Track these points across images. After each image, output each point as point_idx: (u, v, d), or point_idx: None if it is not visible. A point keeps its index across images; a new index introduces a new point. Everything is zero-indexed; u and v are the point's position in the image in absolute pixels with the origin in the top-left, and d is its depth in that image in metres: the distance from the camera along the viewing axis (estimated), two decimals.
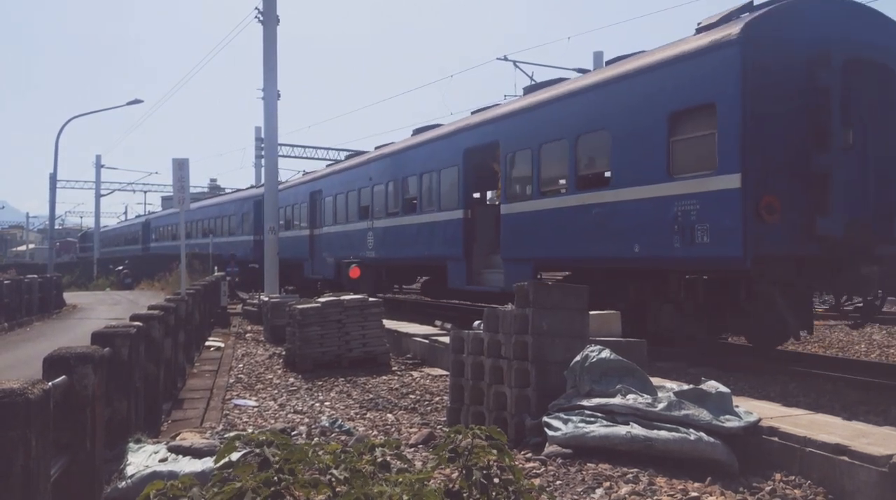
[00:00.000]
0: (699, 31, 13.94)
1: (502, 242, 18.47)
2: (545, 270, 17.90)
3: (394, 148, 25.78)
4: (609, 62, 16.91)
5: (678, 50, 13.81)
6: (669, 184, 13.35)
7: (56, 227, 74.18)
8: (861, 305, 13.77)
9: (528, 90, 19.52)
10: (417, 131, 24.98)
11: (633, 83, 14.51)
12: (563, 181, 16.70)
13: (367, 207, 26.36)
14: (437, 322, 18.94)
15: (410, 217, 23.23)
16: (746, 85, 12.02)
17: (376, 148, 27.64)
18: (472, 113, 21.69)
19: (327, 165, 35.55)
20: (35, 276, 30.10)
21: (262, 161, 36.60)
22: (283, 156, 52.30)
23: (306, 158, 59.38)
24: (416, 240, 22.63)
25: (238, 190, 52.37)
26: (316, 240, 31.61)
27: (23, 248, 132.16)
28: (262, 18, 28.30)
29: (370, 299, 15.36)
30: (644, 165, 13.97)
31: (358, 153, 30.50)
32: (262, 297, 24.84)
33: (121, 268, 54.44)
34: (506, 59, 39.86)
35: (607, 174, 15.37)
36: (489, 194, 24.38)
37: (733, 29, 12.46)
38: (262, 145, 35.30)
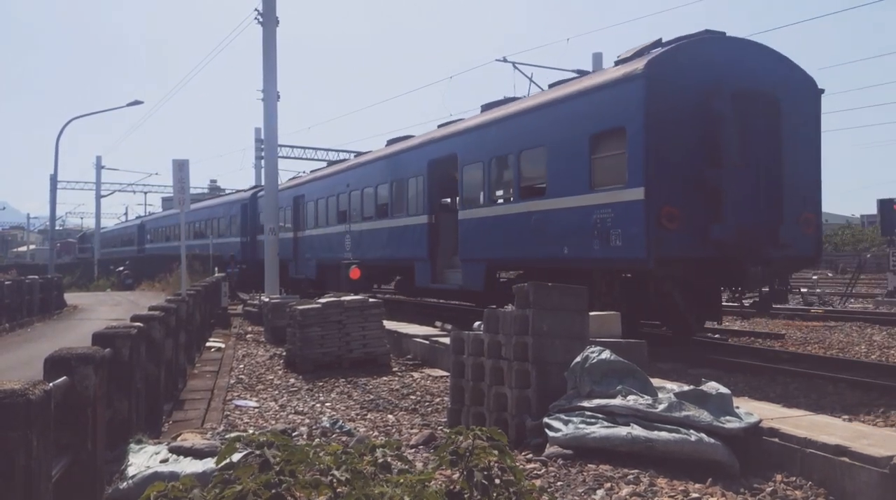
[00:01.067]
0: (617, 63, 16.09)
1: (460, 245, 20.52)
2: (496, 270, 19.96)
3: (368, 157, 28.22)
4: (551, 85, 18.95)
5: (598, 80, 16.17)
6: (590, 195, 15.55)
7: (56, 228, 74.17)
8: (758, 298, 15.84)
9: (485, 108, 21.20)
10: (391, 142, 26.90)
11: (564, 107, 16.69)
12: (509, 191, 19.05)
13: (345, 212, 28.65)
14: (438, 323, 18.96)
15: (383, 221, 25.34)
16: (649, 112, 14.17)
17: (355, 156, 29.90)
18: (438, 126, 23.76)
19: (311, 171, 37.52)
20: (36, 276, 30.08)
21: (262, 162, 36.60)
22: (283, 157, 52.35)
23: (306, 158, 59.39)
24: (388, 242, 24.73)
25: (235, 191, 52.99)
26: (299, 242, 33.48)
27: (23, 249, 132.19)
28: (261, 20, 28.32)
29: (370, 299, 15.37)
30: (571, 179, 16.13)
31: (358, 154, 31.74)
32: (262, 298, 24.86)
33: (121, 269, 54.44)
34: (505, 60, 39.90)
35: (544, 185, 17.34)
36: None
37: (639, 64, 14.64)
38: (262, 146, 35.32)
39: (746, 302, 16.25)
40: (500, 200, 19.39)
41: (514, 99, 20.63)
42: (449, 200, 24.31)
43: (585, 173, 15.68)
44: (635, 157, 14.35)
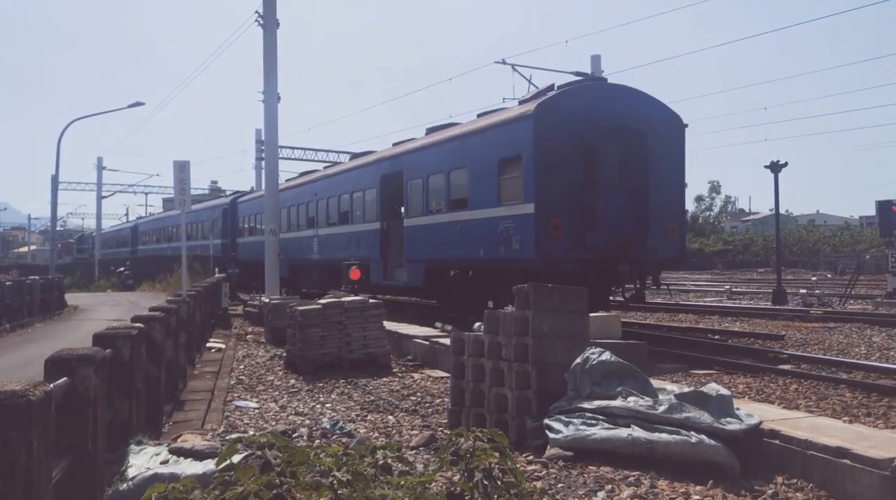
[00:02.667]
0: (521, 102, 20.28)
1: (405, 248, 23.85)
2: (433, 269, 22.78)
3: (333, 170, 32.15)
4: (479, 115, 22.25)
5: (505, 116, 19.65)
6: (498, 208, 18.99)
7: (58, 228, 74.16)
8: (633, 291, 19.58)
9: (429, 131, 24.81)
10: (353, 156, 31.06)
11: (481, 136, 20.27)
12: (442, 203, 22.06)
13: (314, 218, 32.25)
14: (438, 324, 19.00)
15: (344, 227, 28.87)
16: (538, 144, 17.69)
17: (324, 168, 33.99)
18: (394, 144, 27.29)
19: (286, 180, 39.45)
20: (37, 277, 30.09)
21: (263, 163, 36.63)
22: (284, 158, 52.32)
23: (306, 159, 59.35)
24: (348, 245, 28.08)
25: (230, 193, 53.25)
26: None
27: (24, 249, 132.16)
28: (262, 22, 28.33)
29: (370, 300, 15.37)
30: (485, 194, 19.63)
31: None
32: (262, 298, 24.87)
33: (122, 269, 54.44)
34: (504, 62, 39.88)
35: (466, 199, 20.64)
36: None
37: (531, 106, 18.29)
38: (263, 148, 35.37)
39: (625, 296, 19.97)
40: (435, 211, 22.44)
41: (455, 124, 23.63)
42: (396, 208, 26.63)
43: (495, 191, 19.23)
44: (528, 179, 17.85)
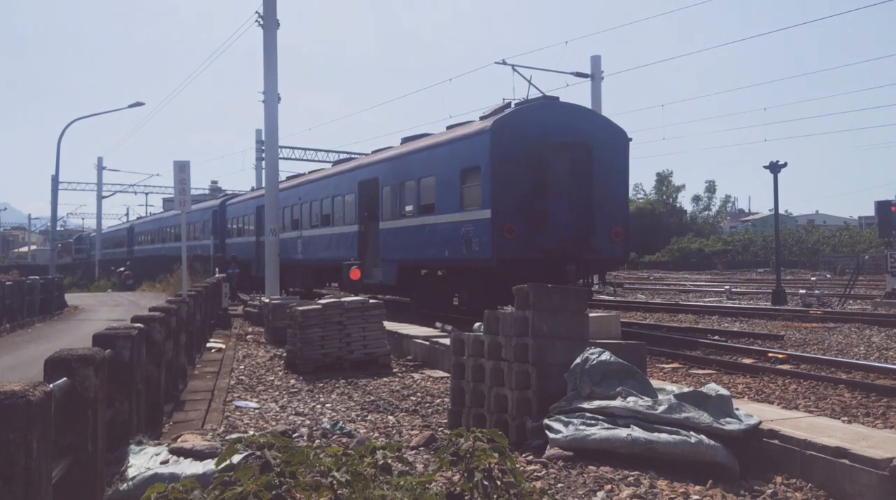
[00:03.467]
0: (481, 118, 21.90)
1: (380, 249, 25.65)
2: (405, 268, 24.49)
3: (315, 176, 33.91)
4: (449, 127, 24.19)
5: (467, 130, 21.60)
6: (461, 214, 20.96)
7: (58, 228, 74.14)
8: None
9: (404, 140, 26.68)
10: (335, 163, 33.06)
11: (446, 148, 22.17)
12: (413, 208, 23.76)
13: (298, 220, 34.07)
14: (438, 324, 19.01)
15: (326, 228, 30.64)
16: (494, 157, 19.72)
17: (309, 172, 35.95)
18: (372, 152, 29.81)
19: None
20: (37, 277, 30.08)
21: (263, 163, 36.71)
22: (284, 158, 52.29)
23: (307, 160, 59.30)
24: (329, 246, 29.98)
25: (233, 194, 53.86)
26: (260, 246, 36.64)
27: (25, 249, 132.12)
28: (262, 22, 28.34)
29: (371, 300, 15.38)
30: (450, 201, 21.56)
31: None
32: (262, 298, 24.89)
33: (122, 269, 54.44)
34: (504, 63, 39.88)
35: (433, 204, 22.49)
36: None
37: (489, 122, 20.37)
38: (263, 148, 35.45)
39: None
40: (407, 215, 24.22)
41: (427, 135, 25.66)
42: (372, 212, 28.10)
43: (458, 197, 21.21)
44: (486, 187, 19.92)
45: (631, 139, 22.23)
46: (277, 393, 12.30)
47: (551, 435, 7.49)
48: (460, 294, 22.62)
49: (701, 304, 30.12)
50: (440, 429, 9.33)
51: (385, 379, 13.45)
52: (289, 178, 39.42)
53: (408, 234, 23.95)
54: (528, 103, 21.79)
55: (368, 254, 27.11)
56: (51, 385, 3.79)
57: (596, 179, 20.65)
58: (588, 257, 20.46)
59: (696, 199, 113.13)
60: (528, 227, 19.65)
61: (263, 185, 32.10)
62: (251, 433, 7.92)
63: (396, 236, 24.70)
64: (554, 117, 20.92)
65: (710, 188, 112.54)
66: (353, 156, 33.85)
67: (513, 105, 21.89)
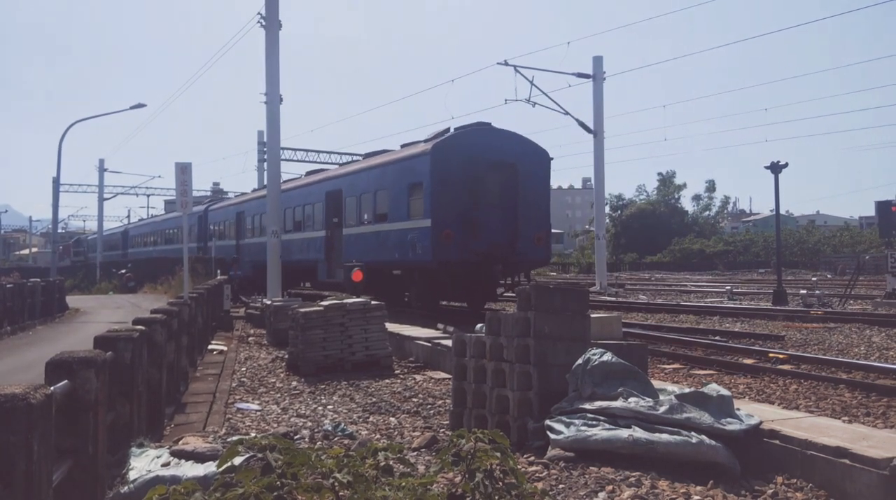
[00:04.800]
0: (426, 141, 24.85)
1: (343, 252, 28.46)
2: (365, 269, 26.59)
3: (289, 186, 36.53)
4: (403, 145, 27.12)
5: (413, 151, 24.81)
6: (408, 222, 24.12)
7: (59, 230, 74.15)
8: (511, 285, 24.81)
9: (366, 156, 31.21)
10: (308, 174, 36.82)
11: (397, 165, 25.59)
12: (370, 216, 27.10)
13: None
14: (440, 325, 19.02)
15: (298, 233, 33.74)
16: (434, 174, 22.95)
17: (284, 182, 37.86)
18: (340, 165, 34.31)
19: (252, 190, 46.22)
20: (38, 279, 30.10)
21: (265, 165, 36.80)
22: (286, 160, 52.29)
23: (309, 161, 59.27)
24: (301, 249, 32.80)
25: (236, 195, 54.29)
26: (241, 248, 41.06)
27: (26, 251, 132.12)
28: (264, 23, 28.34)
29: (372, 302, 15.38)
30: (399, 211, 24.83)
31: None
32: (264, 300, 24.91)
33: (123, 271, 54.47)
34: (506, 63, 40.00)
35: (386, 214, 25.79)
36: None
37: (429, 146, 23.68)
38: (265, 149, 35.56)
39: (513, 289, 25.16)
40: (366, 222, 27.48)
41: (386, 151, 29.18)
42: (337, 219, 30.93)
43: (406, 208, 24.45)
44: (427, 200, 23.16)
45: (552, 159, 25.97)
46: (279, 395, 12.31)
47: (553, 436, 7.49)
48: (410, 291, 25.59)
49: (702, 304, 30.13)
50: (442, 430, 9.34)
51: (387, 381, 13.46)
52: (263, 187, 41.62)
53: (366, 239, 27.34)
54: (464, 128, 25.16)
55: (333, 256, 30.00)
56: (51, 388, 3.80)
57: (521, 193, 24.12)
58: (513, 259, 23.76)
59: (697, 198, 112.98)
60: (463, 233, 22.84)
61: (265, 185, 32.53)
62: (253, 434, 7.93)
63: (357, 241, 27.99)
64: (486, 141, 24.40)
65: (710, 188, 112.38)
66: (323, 168, 38.13)
67: (452, 130, 25.44)
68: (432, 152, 23.42)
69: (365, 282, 25.52)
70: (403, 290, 25.66)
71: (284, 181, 37.88)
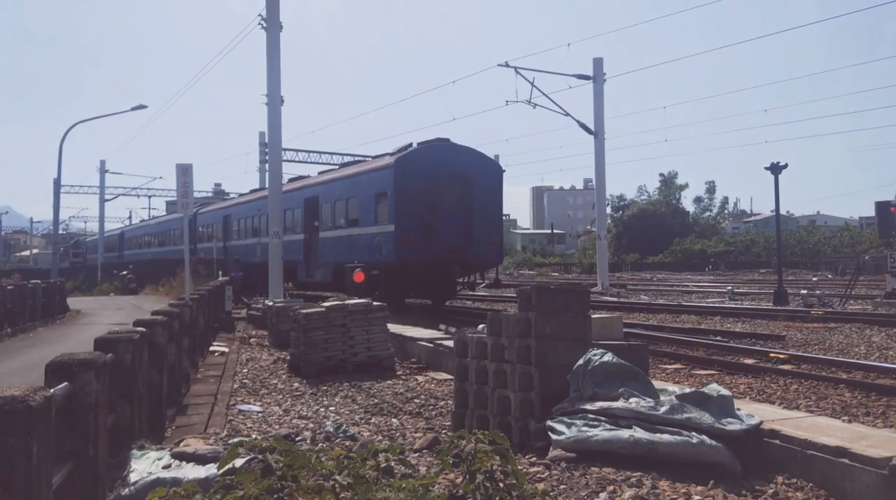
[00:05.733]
0: (391, 155, 28.08)
1: (320, 253, 31.32)
2: (338, 269, 29.47)
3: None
4: (374, 156, 30.66)
5: (376, 164, 28.65)
6: (375, 227, 27.33)
7: (60, 232, 74.15)
8: (471, 283, 28.88)
9: (341, 166, 35.34)
10: (290, 181, 38.43)
11: (366, 176, 28.82)
12: (343, 221, 30.00)
13: (258, 228, 39.54)
14: (442, 326, 19.03)
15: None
16: (397, 185, 26.14)
17: (263, 189, 41.41)
18: (319, 173, 37.64)
19: (239, 194, 50.56)
20: (39, 281, 30.11)
21: (267, 166, 36.90)
22: (287, 160, 52.34)
23: (310, 162, 59.42)
24: (283, 251, 32.88)
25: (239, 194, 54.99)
26: (228, 250, 43.94)
27: (26, 253, 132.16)
28: (265, 25, 28.36)
29: (374, 303, 15.39)
30: (368, 217, 28.07)
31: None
32: (266, 302, 24.91)
33: (125, 273, 54.49)
34: (507, 65, 40.05)
35: (358, 219, 28.89)
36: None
37: (393, 159, 26.93)
38: (267, 150, 35.73)
39: (472, 287, 30.02)
40: (340, 227, 30.33)
41: (360, 161, 34.43)
42: (315, 223, 33.60)
43: (373, 214, 27.64)
44: (391, 208, 26.34)
45: (504, 171, 30.12)
46: (281, 396, 12.31)
47: (554, 437, 7.49)
48: (378, 289, 27.13)
49: (703, 305, 30.12)
50: (444, 431, 9.34)
51: (389, 382, 13.46)
52: (252, 191, 46.75)
53: (340, 241, 30.14)
54: (425, 143, 28.50)
55: (311, 257, 32.83)
56: (51, 390, 3.80)
57: (475, 202, 27.37)
58: (469, 260, 26.91)
59: (698, 200, 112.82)
60: (423, 237, 25.84)
61: (253, 190, 33.29)
62: (254, 436, 7.93)
63: (332, 243, 30.79)
64: (444, 155, 27.75)
65: (710, 189, 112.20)
66: (304, 175, 40.82)
67: (415, 144, 28.50)
68: (395, 165, 26.61)
69: (340, 281, 29.12)
70: (374, 288, 27.09)
71: (263, 189, 41.45)
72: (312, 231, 32.98)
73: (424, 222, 25.92)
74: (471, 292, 32.33)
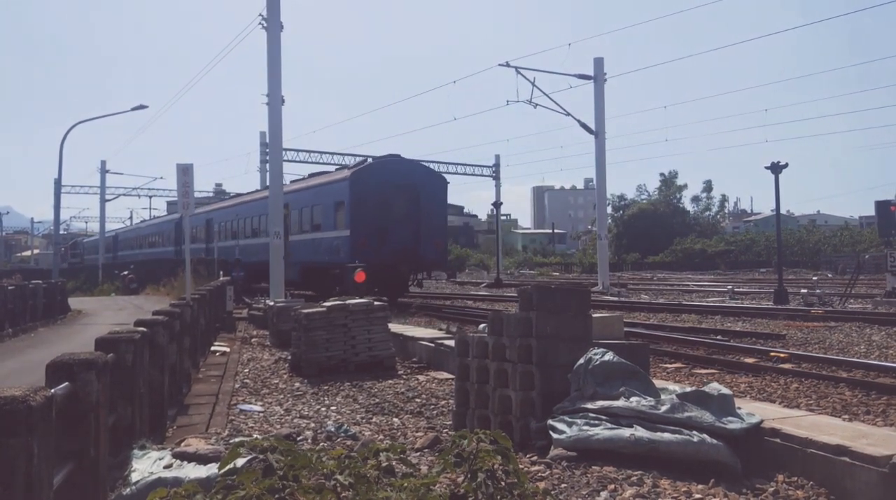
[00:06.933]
0: (349, 169, 33.65)
1: (291, 255, 32.46)
2: (306, 268, 34.49)
3: (248, 198, 45.49)
4: (338, 167, 35.96)
5: (336, 176, 33.54)
6: (335, 232, 31.88)
7: (61, 232, 74.18)
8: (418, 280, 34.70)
9: (311, 175, 40.18)
10: (265, 188, 41.04)
11: (327, 187, 33.35)
12: (309, 226, 33.95)
13: (236, 231, 44.80)
14: (443, 326, 19.04)
15: (255, 239, 40.94)
16: (352, 195, 30.70)
17: (248, 193, 47.99)
18: (291, 181, 40.20)
19: (221, 199, 57.87)
20: (39, 281, 30.10)
21: (268, 166, 37.05)
22: (288, 160, 52.36)
23: (311, 162, 59.42)
24: (257, 252, 38.26)
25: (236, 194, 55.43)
26: (209, 251, 47.32)
27: (27, 253, 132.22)
28: (265, 24, 28.38)
29: (375, 302, 15.39)
30: (329, 223, 32.63)
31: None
32: (267, 301, 24.93)
33: (126, 273, 54.51)
34: (508, 65, 40.11)
35: (321, 224, 33.43)
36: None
37: (349, 173, 31.90)
38: (267, 150, 36.08)
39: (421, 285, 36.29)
40: (306, 231, 34.46)
41: (325, 172, 39.36)
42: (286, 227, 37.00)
43: (333, 220, 32.18)
44: (347, 215, 31.01)
45: (448, 183, 34.95)
46: (282, 396, 12.32)
47: (555, 436, 7.49)
48: (339, 285, 30.16)
49: (704, 304, 30.17)
50: (445, 431, 9.35)
51: (390, 381, 13.47)
52: (233, 196, 53.18)
53: (307, 244, 34.15)
54: (379, 159, 34.42)
55: (285, 258, 35.10)
56: (52, 390, 3.80)
57: (422, 209, 31.90)
58: (416, 260, 31.63)
59: (696, 199, 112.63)
60: (375, 241, 30.22)
61: (268, 186, 34.28)
62: (255, 436, 7.93)
63: (301, 245, 34.10)
64: (395, 169, 32.92)
65: (708, 188, 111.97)
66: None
67: (370, 160, 34.75)
68: (351, 178, 31.61)
69: (305, 279, 34.25)
70: (333, 284, 30.90)
71: (239, 195, 47.01)
72: (284, 235, 35.49)
73: (377, 228, 30.39)
74: (419, 290, 37.38)
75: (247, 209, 43.51)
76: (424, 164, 35.20)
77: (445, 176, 38.39)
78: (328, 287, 31.44)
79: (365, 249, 29.56)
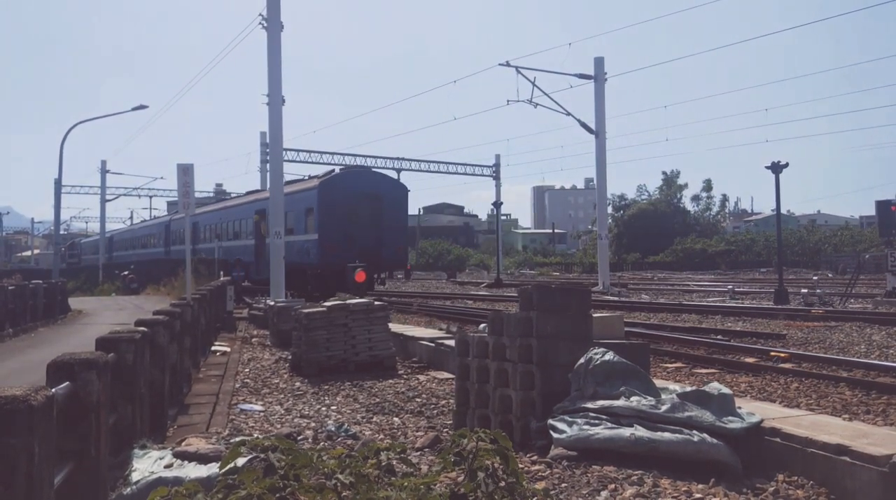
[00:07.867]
0: (318, 178, 36.24)
1: (268, 256, 34.03)
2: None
3: (231, 203, 49.49)
4: (309, 177, 39.02)
5: (306, 185, 36.35)
6: (305, 235, 34.72)
7: (61, 232, 74.16)
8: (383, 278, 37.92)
9: (288, 183, 38.42)
10: (249, 193, 47.48)
11: (299, 194, 35.22)
12: (283, 230, 32.90)
13: (220, 234, 46.58)
14: (443, 326, 19.04)
15: (236, 241, 43.64)
16: (320, 203, 33.89)
17: (234, 197, 52.05)
18: (264, 189, 43.24)
19: (205, 203, 58.54)
20: (40, 281, 30.08)
21: (268, 166, 37.18)
22: (289, 161, 52.54)
23: (312, 162, 59.48)
24: (239, 253, 41.18)
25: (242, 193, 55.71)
26: (196, 251, 47.16)
27: (27, 253, 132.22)
28: (266, 24, 28.37)
29: (376, 302, 15.39)
30: (300, 227, 35.33)
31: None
32: (268, 301, 24.93)
33: (126, 273, 54.50)
34: (508, 65, 40.14)
35: (294, 228, 35.08)
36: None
37: (317, 182, 35.11)
38: (268, 150, 36.52)
39: (382, 285, 39.06)
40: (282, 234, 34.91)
41: (298, 180, 40.09)
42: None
43: (304, 226, 35.05)
44: (316, 221, 33.85)
45: (409, 191, 38.13)
46: (282, 396, 12.32)
47: (555, 435, 7.49)
48: (310, 284, 33.40)
49: (704, 304, 30.16)
50: (445, 430, 9.35)
51: (390, 381, 13.47)
52: (217, 201, 56.58)
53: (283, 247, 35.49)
54: (346, 169, 38.52)
55: (262, 259, 37.45)
56: (53, 390, 3.81)
57: (385, 216, 34.84)
58: (379, 262, 34.19)
59: (696, 199, 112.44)
60: (342, 244, 32.64)
61: (268, 187, 35.11)
62: (256, 435, 7.94)
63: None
64: (360, 178, 36.48)
65: (707, 187, 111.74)
66: (258, 189, 48.53)
67: (337, 170, 37.49)
68: (319, 187, 34.30)
69: (291, 279, 34.54)
70: (304, 282, 33.85)
71: (225, 198, 50.27)
72: (261, 238, 38.97)
73: (344, 232, 33.25)
74: (382, 288, 40.03)
75: (231, 213, 46.31)
76: (389, 174, 40.68)
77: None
78: (300, 285, 34.23)
79: (332, 251, 32.63)
